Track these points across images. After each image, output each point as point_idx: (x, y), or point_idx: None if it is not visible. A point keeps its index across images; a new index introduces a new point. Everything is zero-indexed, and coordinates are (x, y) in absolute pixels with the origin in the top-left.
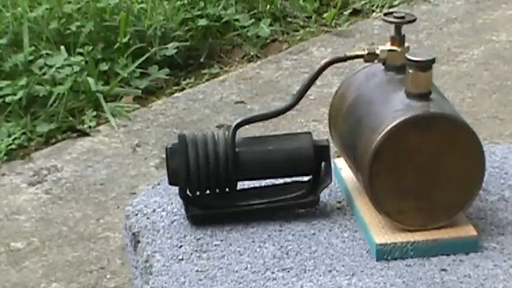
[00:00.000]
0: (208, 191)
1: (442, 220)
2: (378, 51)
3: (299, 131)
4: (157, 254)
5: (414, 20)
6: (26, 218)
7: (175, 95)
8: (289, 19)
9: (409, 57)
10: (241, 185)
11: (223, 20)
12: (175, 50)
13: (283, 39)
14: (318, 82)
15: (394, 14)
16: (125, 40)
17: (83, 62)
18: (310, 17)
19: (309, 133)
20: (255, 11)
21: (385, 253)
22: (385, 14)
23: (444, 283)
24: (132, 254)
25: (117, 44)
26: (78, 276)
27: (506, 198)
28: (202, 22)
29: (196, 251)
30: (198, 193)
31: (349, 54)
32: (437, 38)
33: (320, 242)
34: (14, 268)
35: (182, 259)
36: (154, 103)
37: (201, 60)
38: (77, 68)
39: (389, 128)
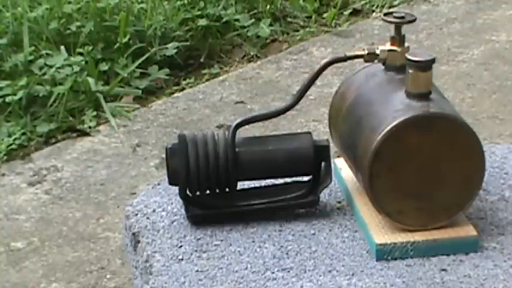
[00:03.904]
0: (208, 191)
1: (442, 220)
2: (378, 51)
3: (299, 131)
4: (157, 254)
5: (414, 20)
6: (26, 218)
7: (175, 95)
8: (289, 19)
9: (409, 57)
10: (241, 185)
11: (223, 20)
12: (175, 50)
13: (283, 39)
14: (318, 82)
15: (394, 14)
16: (125, 40)
17: (83, 62)
18: (310, 17)
19: (309, 133)
20: (255, 11)
21: (385, 253)
22: (385, 14)
23: (444, 283)
24: (132, 254)
25: (117, 44)
26: (78, 276)
27: (506, 198)
28: (202, 22)
29: (196, 251)
30: (198, 193)
31: (349, 54)
32: (437, 38)
33: (320, 242)
34: (14, 268)
35: (182, 259)
36: (154, 103)
37: (201, 60)
38: (77, 68)
39: (389, 128)
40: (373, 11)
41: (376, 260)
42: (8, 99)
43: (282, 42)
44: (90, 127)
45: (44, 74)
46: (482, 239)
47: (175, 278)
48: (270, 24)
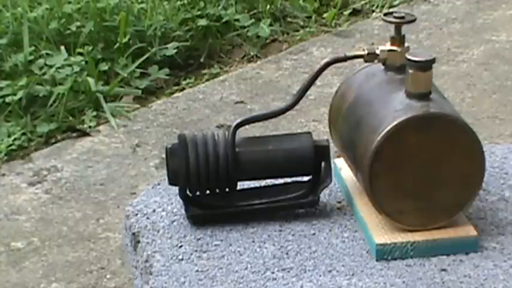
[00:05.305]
0: (208, 191)
1: (442, 220)
2: (378, 51)
3: (299, 131)
4: (157, 254)
5: (414, 20)
6: (26, 218)
7: (175, 95)
8: (289, 19)
9: (409, 57)
10: (241, 185)
11: (223, 20)
12: (175, 50)
13: (283, 39)
14: (318, 82)
15: (394, 14)
16: (125, 40)
17: (83, 62)
18: (310, 17)
19: (309, 133)
20: (255, 11)
21: (385, 253)
22: (385, 14)
23: (444, 283)
24: (132, 254)
25: (117, 44)
26: (78, 276)
27: (506, 198)
28: (202, 22)
29: (196, 251)
30: (198, 193)
31: (349, 54)
32: (437, 38)
33: (320, 242)
34: (14, 268)
35: (182, 259)
36: (154, 103)
37: (201, 60)
38: (77, 68)
39: (389, 128)
40: (373, 11)
41: (376, 260)
42: (8, 99)
43: (282, 42)
44: (90, 127)
45: (44, 74)
46: (482, 239)
47: (175, 278)
48: (270, 24)
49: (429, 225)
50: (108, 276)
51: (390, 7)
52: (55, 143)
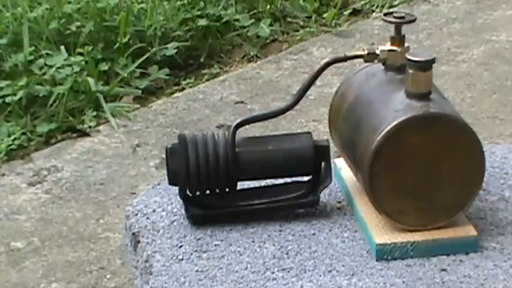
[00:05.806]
0: (208, 191)
1: (442, 220)
2: (378, 51)
3: (299, 131)
4: (157, 254)
5: (414, 20)
6: (26, 218)
7: (175, 95)
8: (289, 19)
9: (409, 57)
10: (241, 185)
11: (223, 20)
12: (175, 50)
13: (283, 39)
14: (318, 82)
15: (394, 14)
16: (125, 40)
17: (83, 62)
18: (310, 17)
19: (309, 133)
20: (255, 11)
21: (385, 253)
22: (385, 14)
23: (444, 283)
24: (132, 254)
25: (117, 44)
26: (78, 276)
27: (506, 198)
28: (202, 22)
29: (196, 251)
30: (198, 193)
31: (349, 54)
32: (437, 38)
33: (320, 242)
34: (14, 268)
35: (182, 259)
36: (154, 103)
37: (201, 60)
38: (77, 68)
39: (389, 128)
40: (373, 11)
41: (376, 260)
42: (8, 99)
43: (282, 42)
44: (90, 127)
45: (44, 74)
46: (482, 239)
47: (175, 278)
48: (270, 24)
49: (429, 225)
50: (108, 276)
51: (390, 7)
52: (55, 143)
